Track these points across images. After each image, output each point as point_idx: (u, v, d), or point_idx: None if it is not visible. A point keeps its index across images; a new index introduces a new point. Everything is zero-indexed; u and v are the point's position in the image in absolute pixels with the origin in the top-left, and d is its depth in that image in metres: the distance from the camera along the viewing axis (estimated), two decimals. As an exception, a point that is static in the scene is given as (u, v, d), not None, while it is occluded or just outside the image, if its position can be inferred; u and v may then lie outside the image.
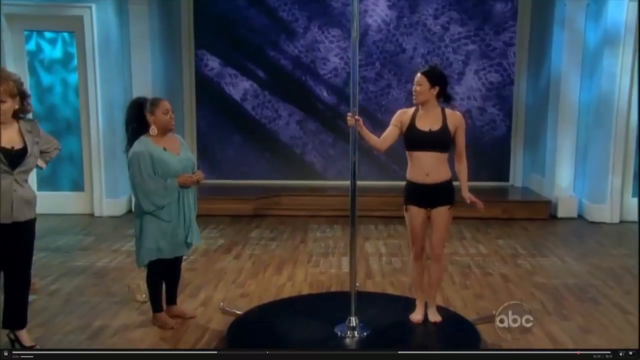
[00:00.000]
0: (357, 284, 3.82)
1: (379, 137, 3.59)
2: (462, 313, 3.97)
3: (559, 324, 3.86)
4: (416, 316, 3.75)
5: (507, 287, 4.61)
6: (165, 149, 3.63)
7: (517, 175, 8.33)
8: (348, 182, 3.57)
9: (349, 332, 3.55)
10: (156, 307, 3.82)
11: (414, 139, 3.53)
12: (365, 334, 3.55)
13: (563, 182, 7.24)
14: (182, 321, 3.86)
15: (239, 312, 3.94)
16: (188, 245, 3.79)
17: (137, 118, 3.63)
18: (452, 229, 5.82)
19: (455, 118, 3.56)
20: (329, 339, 3.53)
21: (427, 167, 3.49)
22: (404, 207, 3.64)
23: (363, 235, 6.12)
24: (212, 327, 3.78)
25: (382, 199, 7.17)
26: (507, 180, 8.34)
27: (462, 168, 3.64)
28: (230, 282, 4.71)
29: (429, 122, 3.50)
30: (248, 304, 4.15)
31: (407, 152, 3.60)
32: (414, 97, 3.55)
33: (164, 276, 3.88)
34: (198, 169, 3.81)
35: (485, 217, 6.92)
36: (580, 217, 7.12)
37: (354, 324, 3.56)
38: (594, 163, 6.97)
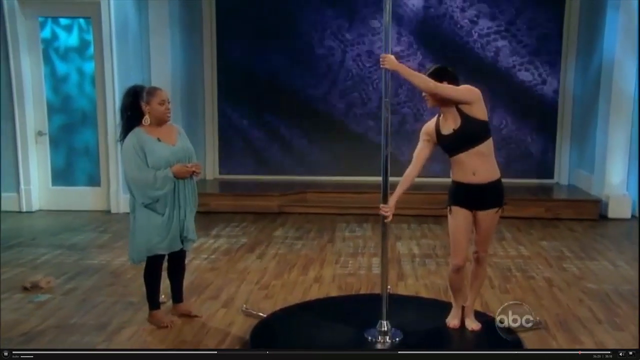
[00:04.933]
0: (389, 287, 3.82)
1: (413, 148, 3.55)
2: (503, 319, 3.93)
3: (611, 334, 3.79)
4: (452, 321, 3.74)
5: (552, 292, 4.55)
6: (159, 139, 3.69)
7: (563, 172, 8.21)
8: (379, 178, 3.59)
9: (380, 337, 3.56)
10: (151, 305, 3.90)
11: (444, 146, 3.52)
12: (397, 339, 3.56)
13: (615, 180, 7.11)
14: (189, 320, 3.93)
15: (262, 315, 3.98)
16: (184, 240, 3.83)
17: (132, 107, 3.70)
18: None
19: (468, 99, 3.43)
20: (359, 344, 3.54)
21: (472, 166, 3.44)
22: (448, 208, 3.57)
23: (395, 235, 6.10)
24: (234, 331, 3.81)
25: (415, 197, 7.07)
26: (551, 177, 8.24)
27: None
28: (253, 283, 4.75)
29: (450, 124, 3.45)
30: (272, 306, 4.18)
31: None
32: (427, 102, 3.51)
33: (167, 273, 3.98)
34: (189, 162, 3.78)
35: (528, 216, 6.86)
36: (634, 217, 6.99)
37: (386, 329, 3.57)
38: (650, 158, 6.83)
